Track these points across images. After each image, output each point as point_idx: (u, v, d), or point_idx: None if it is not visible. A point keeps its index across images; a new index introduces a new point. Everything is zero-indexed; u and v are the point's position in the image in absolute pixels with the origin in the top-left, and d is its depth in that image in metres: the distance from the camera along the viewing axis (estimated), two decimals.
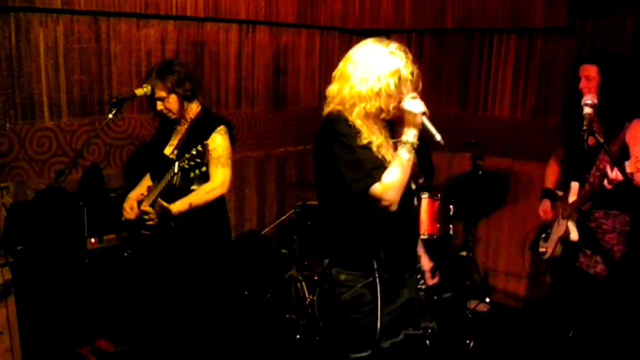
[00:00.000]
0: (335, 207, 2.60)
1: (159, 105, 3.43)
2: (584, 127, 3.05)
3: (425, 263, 2.89)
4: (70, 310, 3.73)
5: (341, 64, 2.58)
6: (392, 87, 2.43)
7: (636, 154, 3.00)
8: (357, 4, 5.75)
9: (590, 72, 3.45)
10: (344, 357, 2.60)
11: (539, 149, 5.08)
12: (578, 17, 4.87)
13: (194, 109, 3.54)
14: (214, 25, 4.82)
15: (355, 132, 2.46)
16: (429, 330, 2.77)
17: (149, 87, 3.39)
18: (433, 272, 2.90)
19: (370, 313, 2.53)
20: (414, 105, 2.42)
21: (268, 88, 5.33)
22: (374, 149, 2.47)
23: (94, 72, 4.20)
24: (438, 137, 2.39)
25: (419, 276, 2.77)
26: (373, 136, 2.47)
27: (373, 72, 2.45)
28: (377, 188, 2.40)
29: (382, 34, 5.86)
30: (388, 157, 2.48)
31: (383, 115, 2.48)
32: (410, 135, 2.43)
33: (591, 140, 3.24)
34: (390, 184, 2.39)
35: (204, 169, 3.16)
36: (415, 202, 2.68)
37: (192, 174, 3.14)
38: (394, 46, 2.49)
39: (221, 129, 3.44)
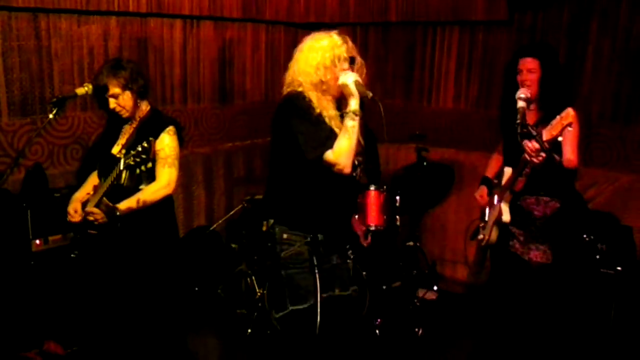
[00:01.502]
0: (286, 175, 2.95)
1: (112, 103, 3.39)
2: (518, 120, 3.17)
3: (358, 227, 3.43)
4: (16, 313, 3.67)
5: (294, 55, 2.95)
6: (327, 60, 2.79)
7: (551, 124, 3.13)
8: None
9: (532, 65, 3.58)
10: (284, 309, 2.96)
11: (482, 139, 5.22)
12: (517, 10, 5.02)
13: (143, 108, 3.52)
14: (158, 20, 4.78)
15: (310, 106, 2.80)
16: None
17: (90, 87, 3.34)
18: (366, 234, 3.41)
19: (307, 269, 2.90)
20: (346, 77, 2.76)
21: (214, 83, 5.31)
22: (326, 120, 2.81)
23: (34, 70, 4.13)
24: (370, 94, 2.69)
25: (347, 246, 3.13)
26: (324, 109, 2.82)
27: (313, 51, 2.84)
28: (329, 155, 2.74)
29: (328, 28, 5.90)
30: (337, 129, 2.81)
31: (324, 88, 2.82)
32: (352, 104, 2.74)
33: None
34: (341, 149, 2.72)
35: (149, 165, 3.16)
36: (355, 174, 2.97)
37: (137, 170, 3.14)
38: (334, 32, 2.91)
39: (170, 129, 3.44)
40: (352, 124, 2.72)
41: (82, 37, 4.33)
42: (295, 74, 2.88)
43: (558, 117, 3.06)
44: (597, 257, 4.00)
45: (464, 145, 5.46)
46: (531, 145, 3.16)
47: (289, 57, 5.83)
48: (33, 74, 4.13)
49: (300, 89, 2.85)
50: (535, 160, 3.19)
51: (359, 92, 2.71)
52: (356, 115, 2.72)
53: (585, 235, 4.04)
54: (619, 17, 4.58)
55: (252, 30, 5.57)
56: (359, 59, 2.91)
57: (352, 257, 3.12)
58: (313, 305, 2.87)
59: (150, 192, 3.38)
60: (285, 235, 2.95)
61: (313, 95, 2.82)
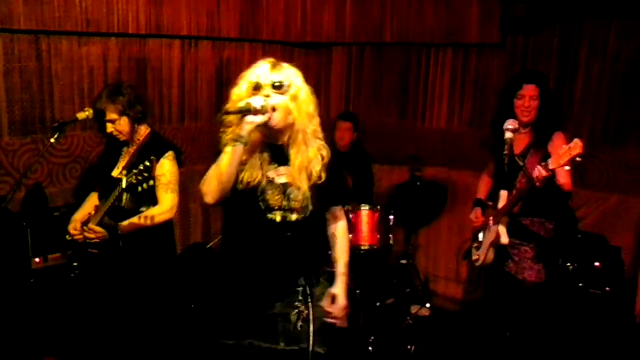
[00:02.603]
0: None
1: (110, 128, 3.47)
2: (505, 152, 3.26)
3: (339, 301, 2.75)
4: (16, 330, 3.73)
5: None
6: (244, 92, 2.45)
7: (557, 153, 3.21)
8: (299, 18, 5.85)
9: (534, 93, 3.70)
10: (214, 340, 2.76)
11: (475, 159, 5.28)
12: (510, 33, 5.13)
13: (143, 131, 3.59)
14: (157, 41, 4.86)
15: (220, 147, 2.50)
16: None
17: (91, 111, 3.42)
18: (345, 317, 2.80)
19: (223, 308, 2.72)
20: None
21: (211, 102, 5.38)
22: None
23: (35, 91, 4.20)
24: (243, 103, 2.34)
25: (296, 303, 2.64)
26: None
27: (240, 82, 2.51)
28: (201, 183, 2.49)
29: (324, 47, 6.02)
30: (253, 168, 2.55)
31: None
32: (240, 129, 2.38)
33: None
34: (206, 177, 2.46)
35: (151, 182, 3.23)
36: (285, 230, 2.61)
37: (140, 189, 3.20)
38: (269, 60, 2.52)
39: (170, 154, 3.51)
40: (228, 150, 2.40)
41: (82, 58, 4.41)
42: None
43: (566, 146, 3.12)
44: (580, 284, 4.09)
45: (457, 165, 5.55)
46: (537, 173, 3.24)
47: None
48: (34, 94, 4.20)
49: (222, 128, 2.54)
50: (539, 184, 3.27)
51: (244, 117, 2.33)
52: (234, 141, 2.39)
53: (569, 264, 4.13)
54: (607, 42, 4.69)
55: (249, 50, 5.63)
56: (296, 88, 2.49)
57: (300, 311, 2.64)
58: (236, 345, 2.64)
59: (152, 216, 3.45)
60: (222, 270, 2.80)
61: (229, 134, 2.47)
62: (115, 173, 3.57)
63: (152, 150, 3.50)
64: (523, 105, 3.69)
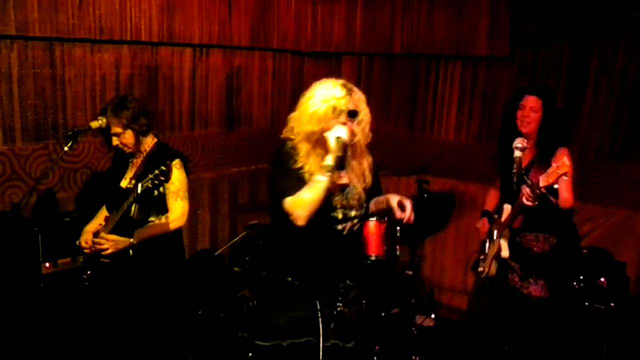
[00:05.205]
0: (273, 217, 2.94)
1: (115, 141, 3.50)
2: (514, 170, 3.28)
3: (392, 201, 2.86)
4: (24, 335, 3.77)
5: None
6: (321, 112, 2.68)
7: (547, 172, 3.23)
8: (309, 27, 5.90)
9: (535, 104, 3.72)
10: (251, 342, 2.96)
11: (482, 171, 5.30)
12: (519, 47, 5.15)
13: (149, 142, 3.61)
14: (168, 49, 4.92)
15: (292, 157, 2.74)
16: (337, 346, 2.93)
17: (104, 120, 3.45)
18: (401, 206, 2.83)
19: (277, 310, 2.89)
20: (331, 131, 2.64)
21: (221, 109, 5.43)
22: (306, 175, 2.71)
23: (48, 97, 4.27)
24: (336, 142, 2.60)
25: (340, 297, 2.91)
26: (308, 161, 2.72)
27: (313, 100, 2.73)
28: (287, 202, 2.67)
29: (333, 57, 6.04)
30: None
31: (315, 138, 2.70)
32: (327, 159, 2.61)
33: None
34: (298, 200, 2.64)
35: (167, 185, 3.28)
36: (342, 227, 2.86)
37: (155, 192, 3.24)
38: (340, 82, 2.77)
39: (176, 162, 3.52)
40: (322, 179, 2.59)
41: (95, 65, 4.47)
42: (294, 119, 2.79)
43: (554, 165, 3.16)
44: (586, 303, 4.11)
45: (464, 176, 5.57)
46: (528, 191, 3.27)
47: (294, 84, 6.04)
48: (47, 100, 4.26)
49: (292, 137, 2.78)
50: (531, 204, 3.30)
51: (338, 149, 2.59)
52: (328, 171, 2.58)
53: (575, 283, 4.15)
54: (616, 58, 4.70)
55: (260, 58, 5.69)
56: (363, 112, 2.77)
57: (340, 308, 2.89)
58: (276, 346, 2.85)
59: (163, 224, 3.49)
60: (264, 272, 3.00)
61: (303, 146, 2.74)
62: (124, 184, 3.60)
63: (159, 159, 3.51)
64: (522, 115, 3.73)
